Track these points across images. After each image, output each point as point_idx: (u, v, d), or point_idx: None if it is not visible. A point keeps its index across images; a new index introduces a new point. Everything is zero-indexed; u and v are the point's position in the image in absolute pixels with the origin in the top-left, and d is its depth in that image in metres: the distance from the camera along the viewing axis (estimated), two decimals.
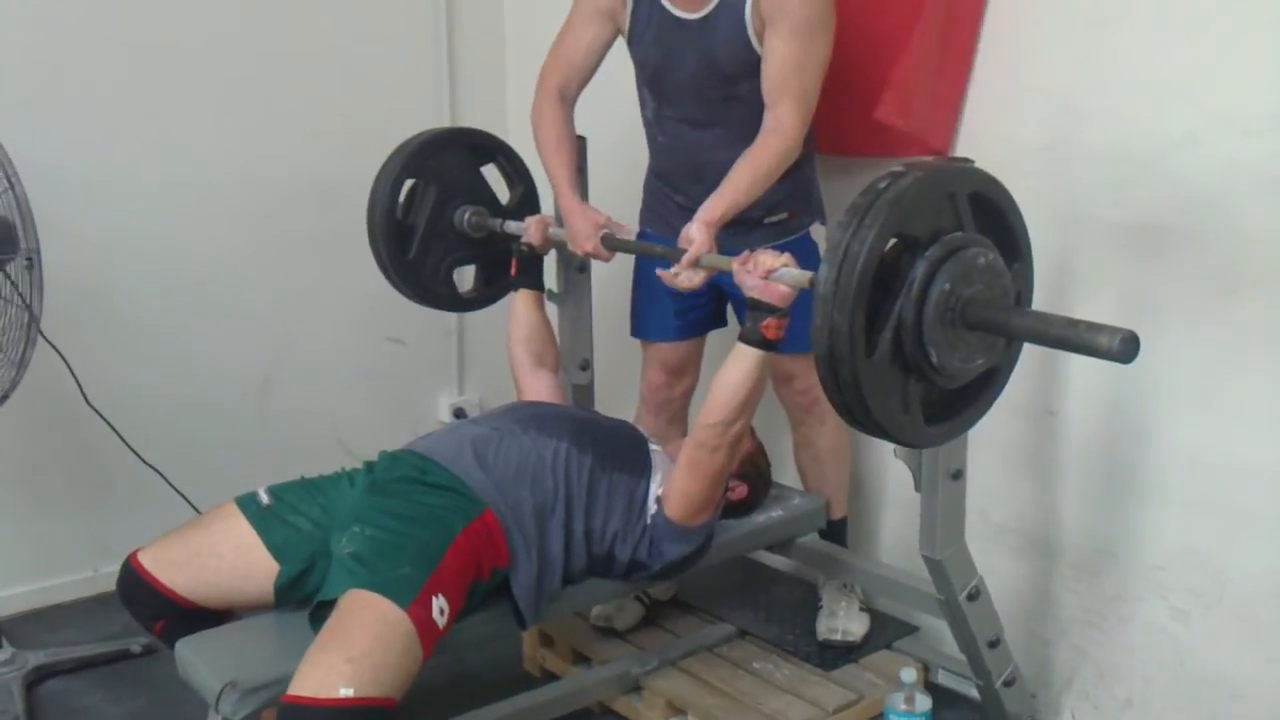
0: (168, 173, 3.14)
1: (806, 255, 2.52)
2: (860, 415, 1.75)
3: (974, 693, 2.47)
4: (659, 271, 2.31)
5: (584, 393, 2.92)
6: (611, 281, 2.98)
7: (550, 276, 2.86)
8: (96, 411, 2.85)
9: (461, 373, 3.81)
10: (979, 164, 2.03)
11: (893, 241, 1.72)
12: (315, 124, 3.39)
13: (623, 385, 3.19)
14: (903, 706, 2.26)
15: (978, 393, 1.91)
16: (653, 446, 2.38)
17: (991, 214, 1.85)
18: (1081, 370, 2.44)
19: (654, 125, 2.56)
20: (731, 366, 2.10)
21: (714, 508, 2.27)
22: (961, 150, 2.54)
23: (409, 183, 2.72)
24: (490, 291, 2.87)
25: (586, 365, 2.92)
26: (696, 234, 2.23)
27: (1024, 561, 2.61)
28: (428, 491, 2.13)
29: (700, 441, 2.14)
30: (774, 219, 2.45)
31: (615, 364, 3.23)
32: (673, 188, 2.56)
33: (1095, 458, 2.46)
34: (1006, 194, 1.87)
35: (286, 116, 3.34)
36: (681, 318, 2.66)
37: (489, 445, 2.21)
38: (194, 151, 3.20)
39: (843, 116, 2.54)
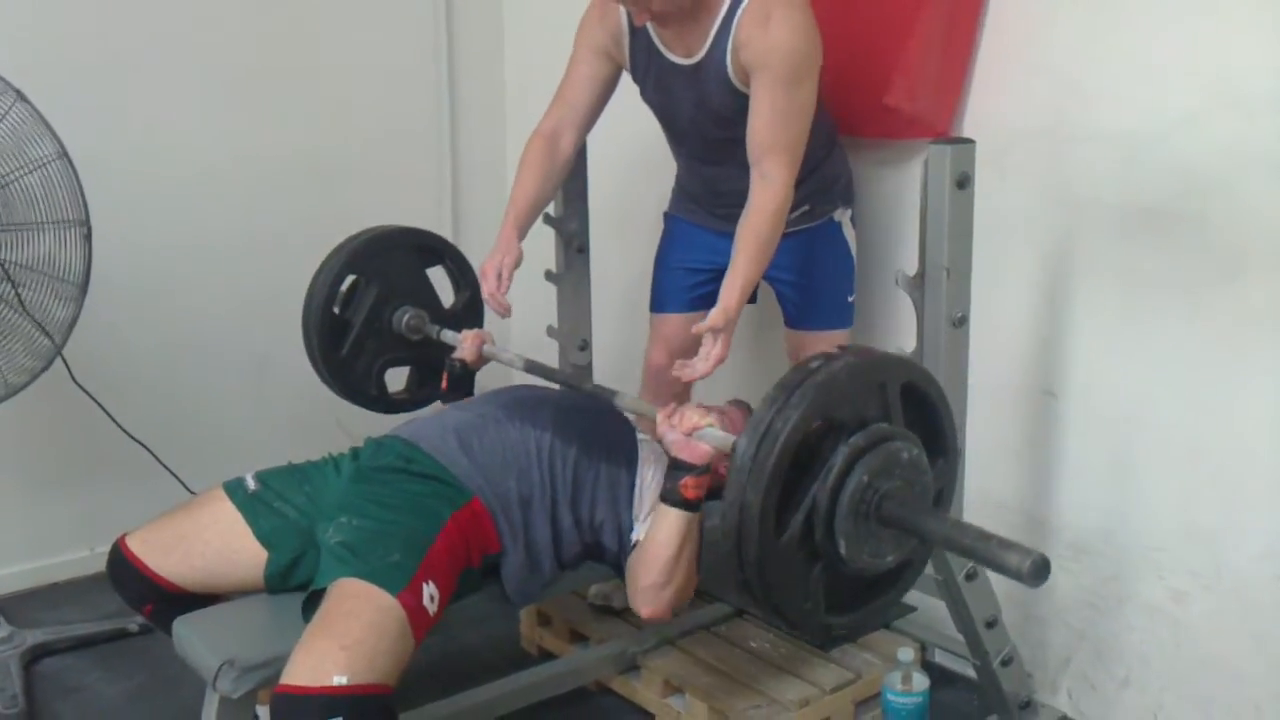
0: (164, 154, 3.14)
1: (829, 237, 2.54)
2: (759, 593, 1.67)
3: (971, 672, 2.47)
4: (676, 367, 2.31)
5: (583, 373, 2.92)
6: (613, 261, 2.98)
7: (550, 259, 2.85)
8: (83, 389, 2.84)
9: None
10: (980, 145, 2.04)
11: (818, 423, 1.67)
12: (315, 112, 3.39)
13: (621, 366, 3.19)
14: (900, 686, 2.26)
15: (886, 587, 1.84)
16: (642, 437, 2.32)
17: (922, 407, 1.80)
18: (1081, 351, 2.44)
19: (674, 155, 2.62)
20: (657, 527, 2.03)
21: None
22: (962, 132, 2.53)
23: (350, 278, 2.65)
24: (421, 394, 2.79)
25: (585, 346, 2.91)
26: (710, 342, 2.21)
27: (1022, 541, 2.58)
28: (414, 480, 2.11)
29: (637, 603, 2.07)
30: (796, 215, 2.45)
31: (613, 345, 3.23)
32: (693, 197, 2.64)
33: (1094, 438, 2.46)
34: (938, 388, 1.82)
35: (286, 103, 3.34)
36: (692, 291, 2.68)
37: (473, 433, 2.19)
38: (192, 133, 3.20)
39: (850, 99, 2.54)
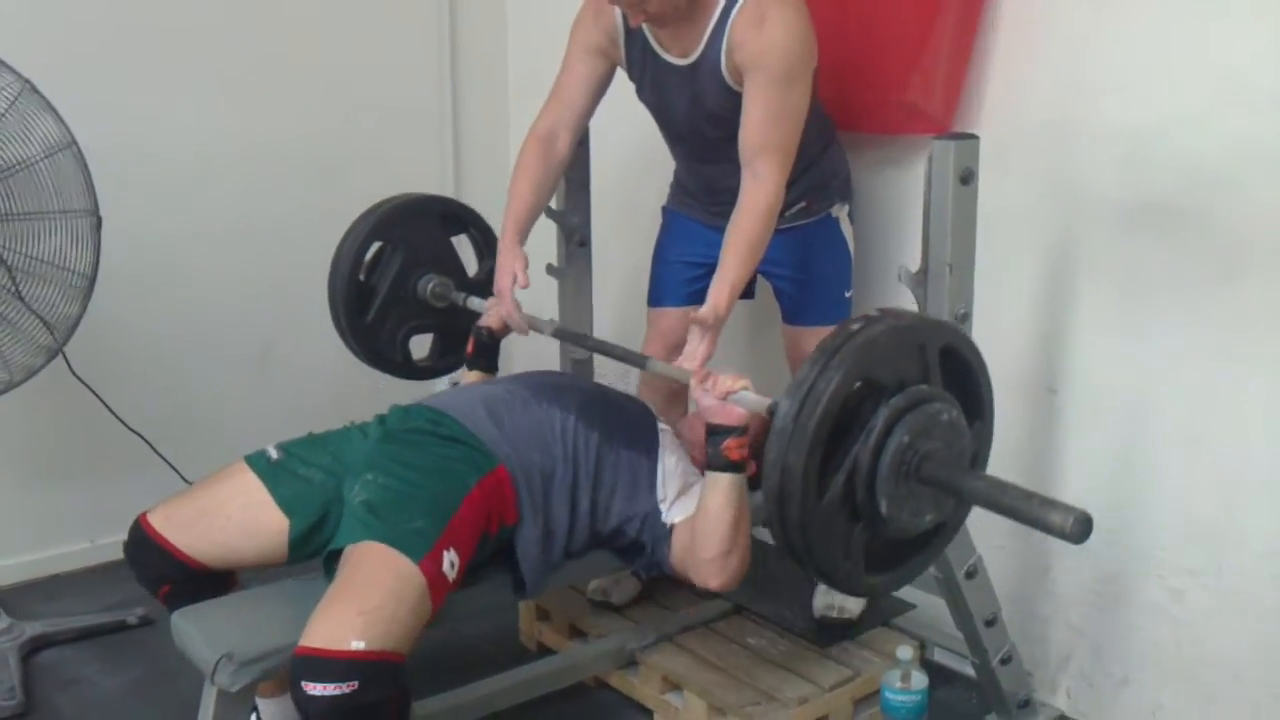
0: (163, 143, 3.13)
1: (826, 232, 2.54)
2: (801, 555, 1.70)
3: (970, 671, 2.47)
4: (677, 363, 2.28)
5: (583, 368, 2.92)
6: (615, 255, 2.97)
7: (551, 253, 2.85)
8: (82, 381, 2.84)
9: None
10: (984, 141, 2.03)
11: (858, 385, 1.68)
12: (316, 99, 3.39)
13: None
14: (899, 684, 2.26)
15: (922, 546, 1.86)
16: (662, 426, 2.36)
17: (960, 370, 1.82)
18: (1082, 349, 2.44)
19: (671, 152, 2.62)
20: (708, 497, 2.04)
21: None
22: (965, 127, 2.52)
23: (375, 245, 2.68)
24: (445, 363, 2.82)
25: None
26: (696, 338, 2.20)
27: (1022, 539, 2.61)
28: (441, 443, 2.12)
29: (702, 577, 2.07)
30: (792, 211, 2.45)
31: (615, 338, 3.22)
32: (690, 193, 2.63)
33: (1095, 436, 2.46)
34: (977, 352, 1.84)
35: (287, 91, 3.34)
36: (690, 285, 2.67)
37: (502, 405, 2.21)
38: (191, 123, 3.19)
39: (854, 94, 2.55)
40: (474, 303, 2.64)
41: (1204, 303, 2.24)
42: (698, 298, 2.69)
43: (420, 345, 2.81)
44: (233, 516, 2.09)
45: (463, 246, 2.81)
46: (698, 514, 2.07)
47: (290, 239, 3.38)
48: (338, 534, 1.98)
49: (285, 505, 2.09)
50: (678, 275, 2.67)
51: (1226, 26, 2.15)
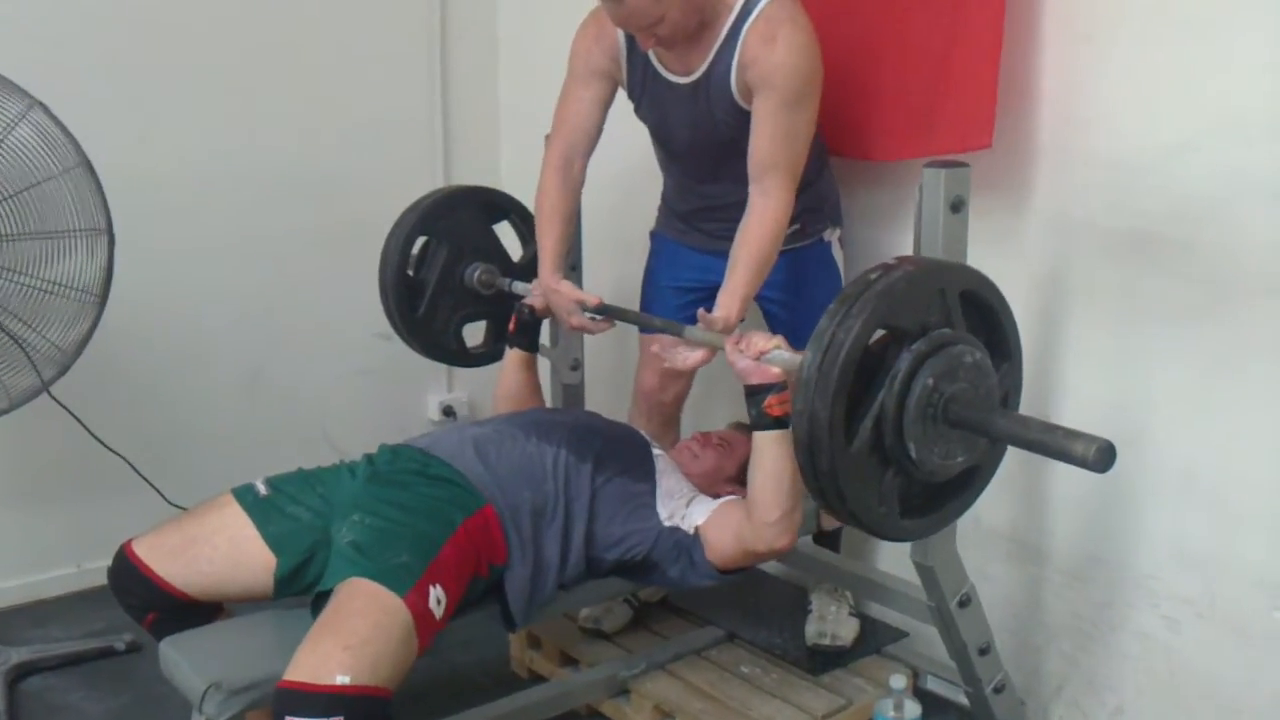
0: (158, 165, 3.12)
1: (819, 257, 2.54)
2: (835, 503, 1.73)
3: (963, 699, 2.46)
4: (655, 347, 2.30)
5: (574, 392, 2.91)
6: (603, 281, 2.97)
7: None
8: (57, 401, 2.80)
9: (451, 371, 3.80)
10: (974, 169, 2.03)
11: (882, 333, 1.71)
12: (308, 120, 3.38)
13: (613, 385, 3.18)
14: (892, 713, 2.24)
15: (957, 490, 1.89)
16: (656, 451, 2.37)
17: (983, 313, 1.84)
18: (1075, 377, 2.43)
19: (666, 172, 2.63)
20: (760, 460, 2.07)
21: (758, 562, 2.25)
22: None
23: (421, 240, 2.73)
24: (500, 347, 2.86)
25: (577, 365, 2.91)
26: (717, 327, 2.19)
27: (1015, 568, 2.60)
28: (429, 483, 2.13)
29: (768, 541, 2.09)
30: (788, 232, 2.44)
31: (606, 365, 3.23)
32: (682, 217, 2.63)
33: None
34: (999, 293, 1.86)
35: (279, 111, 3.33)
36: (682, 313, 2.66)
37: (490, 445, 2.22)
38: (186, 144, 3.19)
39: (847, 119, 2.55)
40: (519, 287, 2.70)
41: (1196, 331, 2.24)
42: (690, 323, 2.69)
43: (473, 334, 2.88)
44: (219, 549, 2.08)
45: (504, 233, 2.86)
46: (752, 486, 2.09)
47: (282, 260, 3.38)
48: (325, 575, 1.97)
49: (273, 542, 2.08)
50: (668, 301, 2.67)
51: (1215, 58, 2.16)
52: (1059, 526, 2.53)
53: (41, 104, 2.41)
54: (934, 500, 1.87)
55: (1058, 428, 1.64)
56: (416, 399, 3.79)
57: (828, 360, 1.65)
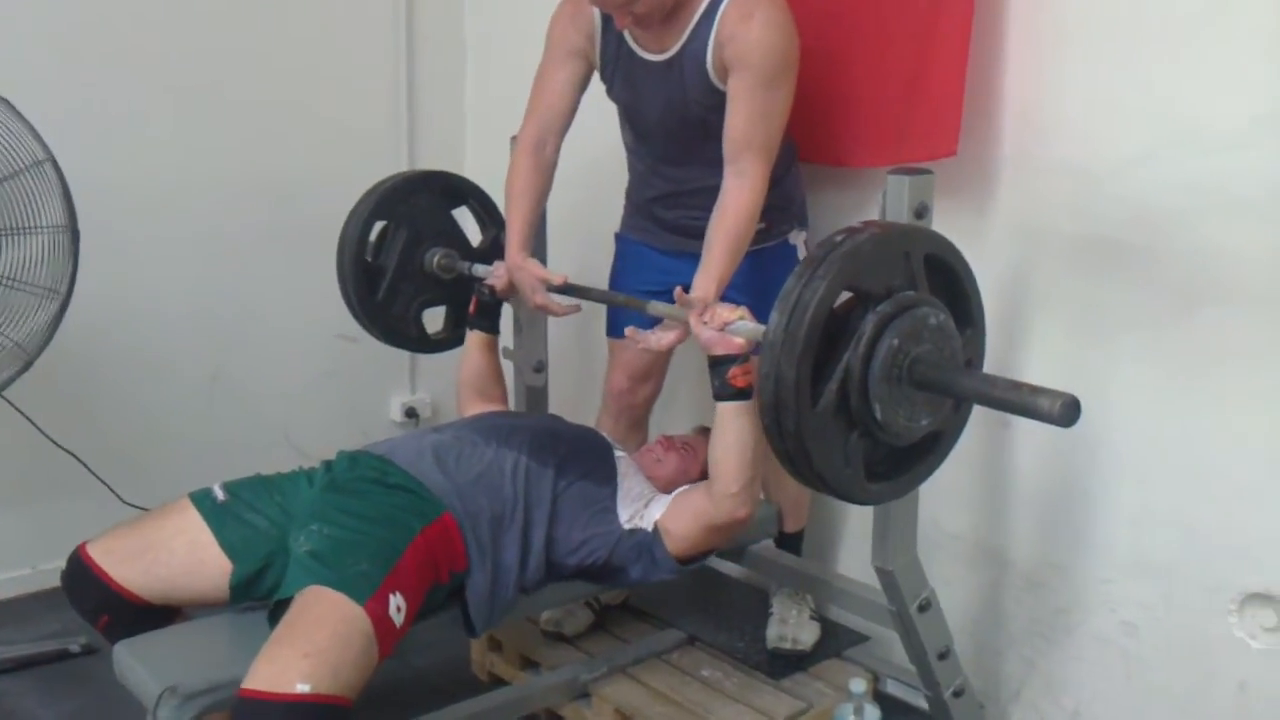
0: (116, 168, 3.08)
1: (784, 259, 2.54)
2: (801, 465, 1.75)
3: (923, 703, 2.47)
4: (628, 331, 2.30)
5: (538, 395, 2.90)
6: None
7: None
8: (9, 402, 2.77)
9: (414, 372, 3.78)
10: (937, 175, 2.04)
11: (847, 297, 1.72)
12: (268, 121, 3.36)
13: (577, 388, 3.18)
14: (851, 716, 2.24)
15: (922, 455, 1.91)
16: (618, 453, 2.37)
17: (946, 278, 1.85)
18: (1034, 381, 2.44)
19: (634, 154, 2.59)
20: (722, 432, 2.09)
21: (719, 547, 2.28)
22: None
23: (379, 225, 2.71)
24: (459, 333, 2.83)
25: (541, 368, 2.90)
26: (694, 307, 2.18)
27: (975, 572, 2.62)
28: (387, 492, 2.12)
29: (728, 511, 2.12)
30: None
31: (570, 367, 3.22)
32: (649, 212, 2.60)
33: (1047, 470, 2.47)
34: (962, 259, 1.88)
35: (240, 114, 3.31)
36: (653, 320, 2.65)
37: (449, 452, 2.21)
38: (147, 144, 3.16)
39: (820, 126, 2.56)
40: (479, 269, 2.69)
41: (1157, 338, 2.27)
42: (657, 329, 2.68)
43: (433, 322, 2.86)
44: (176, 553, 2.06)
45: (463, 219, 2.85)
46: (713, 456, 2.11)
47: (244, 260, 3.35)
48: (284, 584, 1.95)
49: (229, 549, 2.06)
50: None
51: (1175, 68, 2.18)
52: (1018, 531, 2.55)
53: (5, 100, 2.38)
54: (899, 464, 1.89)
55: (1023, 384, 1.66)
56: (379, 400, 3.76)
57: (794, 321, 1.67)
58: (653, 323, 2.63)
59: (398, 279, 2.73)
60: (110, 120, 3.09)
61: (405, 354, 3.73)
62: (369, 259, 2.71)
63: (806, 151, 2.59)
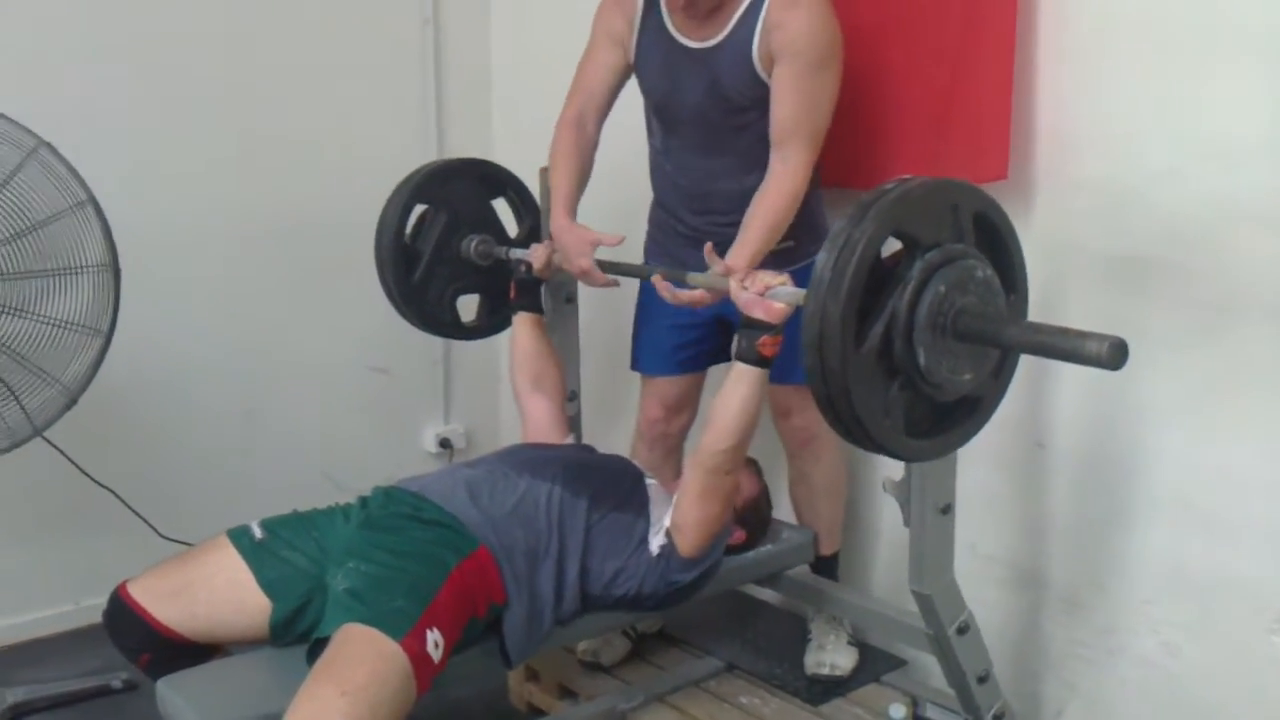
0: (149, 208, 3.10)
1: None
2: (842, 409, 1.74)
3: None
4: (656, 280, 2.33)
5: (570, 425, 2.91)
6: (599, 312, 2.97)
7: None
8: (47, 440, 2.79)
9: (448, 403, 3.80)
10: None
11: (897, 248, 1.74)
12: (302, 156, 3.39)
13: (610, 417, 3.18)
14: None
15: (961, 418, 1.91)
16: (649, 480, 2.38)
17: (993, 237, 1.87)
18: (1070, 402, 2.44)
19: (661, 154, 2.58)
20: (731, 389, 2.11)
21: (725, 526, 2.29)
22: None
23: (419, 209, 2.74)
24: (493, 321, 2.89)
25: (574, 397, 2.90)
26: (721, 271, 2.21)
27: (1013, 595, 2.60)
28: (422, 527, 2.12)
29: (713, 468, 2.15)
30: (781, 247, 2.44)
31: (603, 396, 3.23)
32: (677, 217, 2.58)
33: (1083, 490, 2.46)
34: (1009, 223, 1.90)
35: (273, 149, 3.34)
36: (682, 352, 2.66)
37: (483, 486, 2.21)
38: (180, 182, 3.19)
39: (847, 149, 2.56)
40: (517, 253, 2.71)
41: (1188, 353, 2.25)
42: (691, 365, 2.68)
43: (468, 308, 2.88)
44: (216, 593, 2.07)
45: (502, 213, 2.88)
46: (715, 409, 2.13)
47: (277, 295, 3.38)
48: (322, 622, 1.95)
49: (268, 588, 2.07)
50: (666, 341, 2.66)
51: (1200, 84, 2.18)
52: (1056, 552, 2.53)
53: (48, 144, 2.42)
54: (939, 422, 1.88)
55: (1069, 330, 1.66)
56: (413, 431, 3.78)
57: (842, 259, 1.68)
58: (679, 364, 2.65)
59: (434, 263, 2.76)
60: (143, 161, 3.12)
61: (438, 386, 3.76)
62: (407, 242, 2.73)
63: (835, 175, 2.59)
